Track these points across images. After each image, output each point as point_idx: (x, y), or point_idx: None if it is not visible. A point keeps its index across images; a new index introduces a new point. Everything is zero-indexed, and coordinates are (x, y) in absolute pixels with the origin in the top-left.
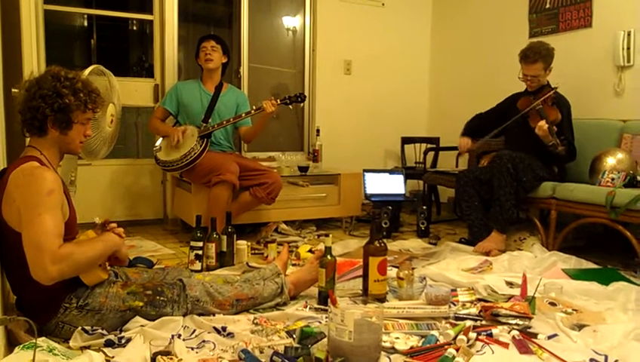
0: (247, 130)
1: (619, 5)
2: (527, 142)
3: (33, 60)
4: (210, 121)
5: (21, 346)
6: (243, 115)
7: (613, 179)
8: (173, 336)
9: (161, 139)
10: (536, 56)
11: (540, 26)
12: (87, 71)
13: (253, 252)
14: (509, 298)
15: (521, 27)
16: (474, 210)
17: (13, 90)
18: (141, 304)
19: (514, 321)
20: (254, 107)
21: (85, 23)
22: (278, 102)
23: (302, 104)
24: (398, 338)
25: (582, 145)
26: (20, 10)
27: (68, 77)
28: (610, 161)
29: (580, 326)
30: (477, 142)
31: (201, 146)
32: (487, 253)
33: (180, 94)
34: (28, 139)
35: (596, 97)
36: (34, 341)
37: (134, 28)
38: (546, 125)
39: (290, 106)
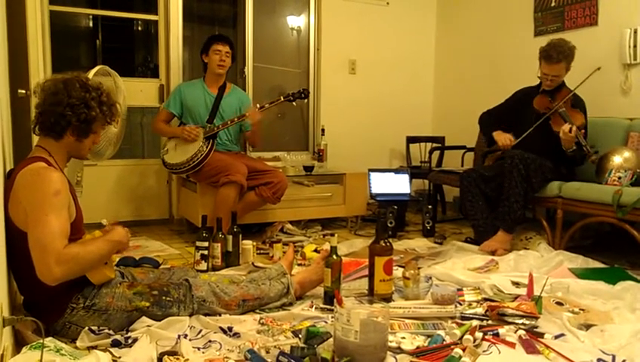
0: (249, 135)
1: (625, 3)
2: (539, 143)
3: (39, 61)
4: (214, 121)
5: (29, 346)
6: (235, 118)
7: (619, 178)
8: (179, 336)
9: (167, 142)
10: (560, 56)
11: (545, 24)
12: (92, 71)
13: (258, 252)
14: (516, 297)
15: (526, 26)
16: (478, 210)
17: (19, 91)
18: (147, 304)
19: (520, 321)
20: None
21: (90, 24)
22: (266, 106)
23: (305, 100)
24: (404, 338)
25: (589, 143)
26: (25, 11)
27: (95, 88)
28: (616, 160)
29: (587, 326)
30: (514, 140)
31: (207, 147)
32: (493, 253)
33: (183, 96)
34: (37, 138)
35: (603, 95)
36: (41, 341)
37: (139, 28)
38: (573, 129)
39: (294, 103)
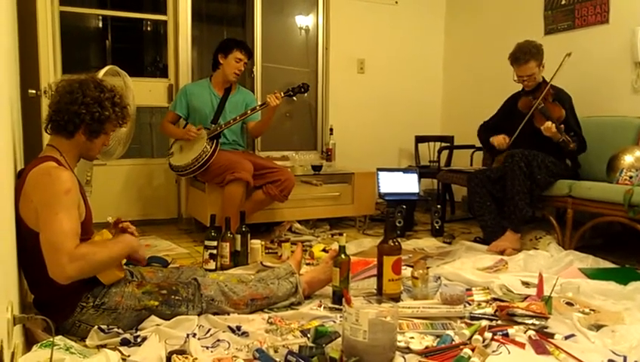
0: (255, 124)
1: (636, 0)
2: (536, 140)
3: (49, 61)
4: (219, 121)
5: (39, 344)
6: (249, 111)
7: (631, 177)
8: (188, 335)
9: (173, 144)
10: (526, 56)
11: (555, 22)
12: (102, 71)
13: (267, 251)
14: (525, 297)
15: (536, 24)
16: (486, 211)
17: (30, 91)
18: (156, 303)
19: (530, 321)
20: (259, 103)
21: (100, 24)
22: (282, 95)
23: (305, 95)
24: (412, 337)
25: (599, 142)
26: (36, 11)
27: (109, 88)
28: (628, 159)
29: (598, 327)
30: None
31: (211, 147)
32: (502, 252)
33: (189, 98)
34: (47, 138)
35: (614, 94)
36: (51, 339)
37: (148, 28)
38: (553, 125)
39: (294, 98)
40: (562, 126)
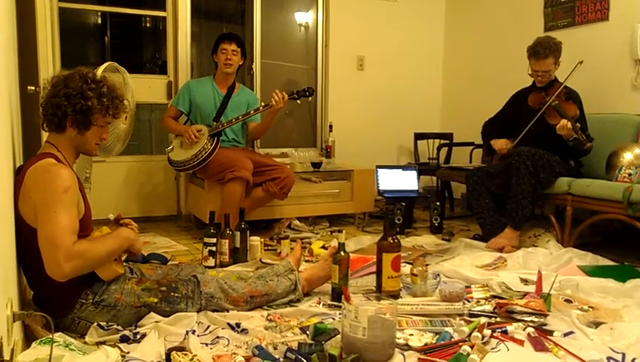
0: (256, 126)
1: None
2: (542, 138)
3: (48, 58)
4: (221, 119)
5: (38, 341)
6: (252, 111)
7: (630, 175)
8: (187, 332)
9: (173, 139)
10: (546, 51)
11: (555, 19)
12: (101, 68)
13: (266, 248)
14: (524, 295)
15: (535, 21)
16: (484, 209)
17: (29, 87)
18: (156, 300)
19: (529, 318)
20: (262, 103)
21: (99, 20)
22: (287, 97)
23: (309, 98)
24: (412, 334)
25: (598, 140)
26: (35, 7)
27: (95, 80)
28: (627, 157)
29: (597, 324)
30: (512, 143)
31: (211, 145)
32: (501, 249)
33: (192, 94)
34: (46, 135)
35: (613, 91)
36: (51, 336)
37: (148, 25)
38: (570, 124)
39: (299, 101)
40: (578, 124)
